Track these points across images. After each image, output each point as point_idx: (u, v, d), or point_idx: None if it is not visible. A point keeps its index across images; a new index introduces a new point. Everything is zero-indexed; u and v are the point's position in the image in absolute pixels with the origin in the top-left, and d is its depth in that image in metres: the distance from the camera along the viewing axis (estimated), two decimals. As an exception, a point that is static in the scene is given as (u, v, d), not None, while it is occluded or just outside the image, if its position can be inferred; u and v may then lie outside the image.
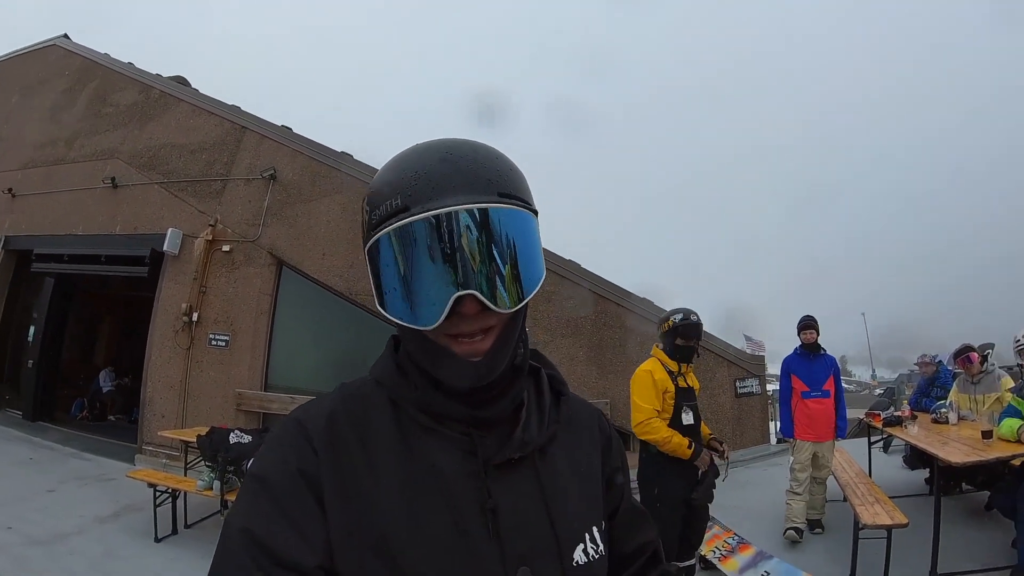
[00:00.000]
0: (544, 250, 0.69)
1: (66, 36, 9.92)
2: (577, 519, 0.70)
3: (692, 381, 3.29)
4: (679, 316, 3.24)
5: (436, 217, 0.59)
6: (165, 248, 7.17)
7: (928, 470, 4.92)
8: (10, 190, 8.87)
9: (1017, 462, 3.63)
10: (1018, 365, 3.75)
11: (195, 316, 7.02)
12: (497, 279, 0.61)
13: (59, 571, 3.85)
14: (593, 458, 0.77)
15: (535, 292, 0.64)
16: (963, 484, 4.70)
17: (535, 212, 0.66)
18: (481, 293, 0.60)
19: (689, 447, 3.05)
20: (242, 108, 7.91)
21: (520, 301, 0.64)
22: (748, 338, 7.88)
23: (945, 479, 4.05)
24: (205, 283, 7.13)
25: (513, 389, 0.69)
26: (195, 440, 4.84)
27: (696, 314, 3.24)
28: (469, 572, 0.62)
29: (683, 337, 3.18)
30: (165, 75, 8.82)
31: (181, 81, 8.98)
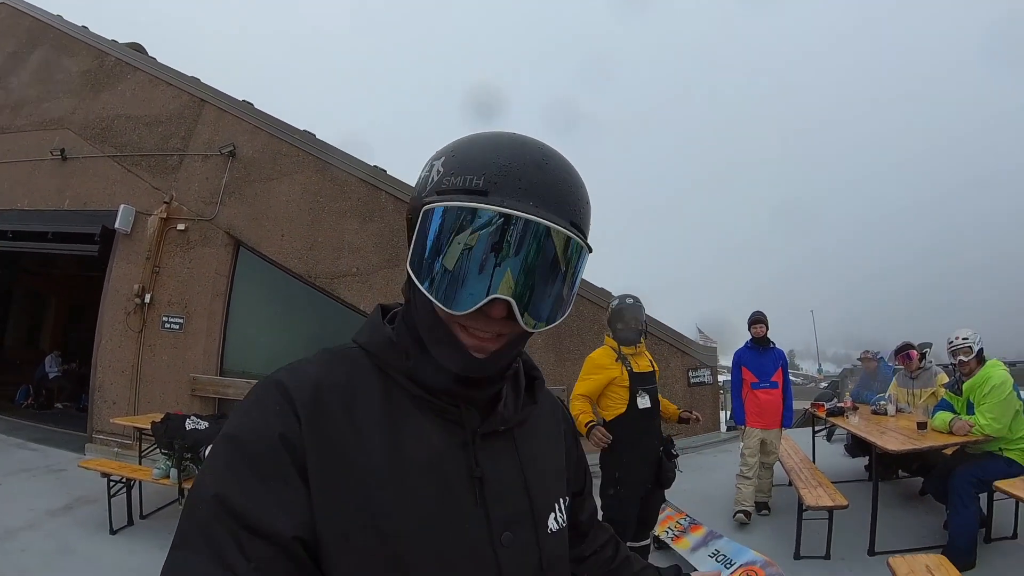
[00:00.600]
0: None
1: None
2: (548, 490, 0.75)
3: (646, 365, 3.31)
4: (615, 301, 3.34)
5: (515, 219, 0.59)
6: (117, 225, 6.84)
7: (867, 458, 5.19)
8: (-53, 160, 8.26)
9: (949, 451, 3.90)
10: (951, 364, 4.01)
11: (148, 298, 6.76)
12: (536, 299, 0.62)
13: (11, 570, 3.67)
14: (558, 440, 0.84)
15: (558, 323, 0.65)
16: (899, 471, 5.00)
17: (591, 249, 0.66)
18: (518, 305, 0.60)
19: (587, 425, 3.07)
20: (201, 80, 7.60)
21: (544, 326, 0.64)
22: (700, 330, 8.18)
23: (883, 465, 4.30)
24: (158, 263, 6.85)
25: (500, 383, 0.72)
26: (149, 427, 4.68)
27: (633, 297, 3.32)
28: (456, 537, 0.64)
29: (622, 321, 3.24)
30: (121, 41, 8.36)
31: (137, 48, 8.51)
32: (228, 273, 6.93)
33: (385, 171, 6.99)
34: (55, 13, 8.77)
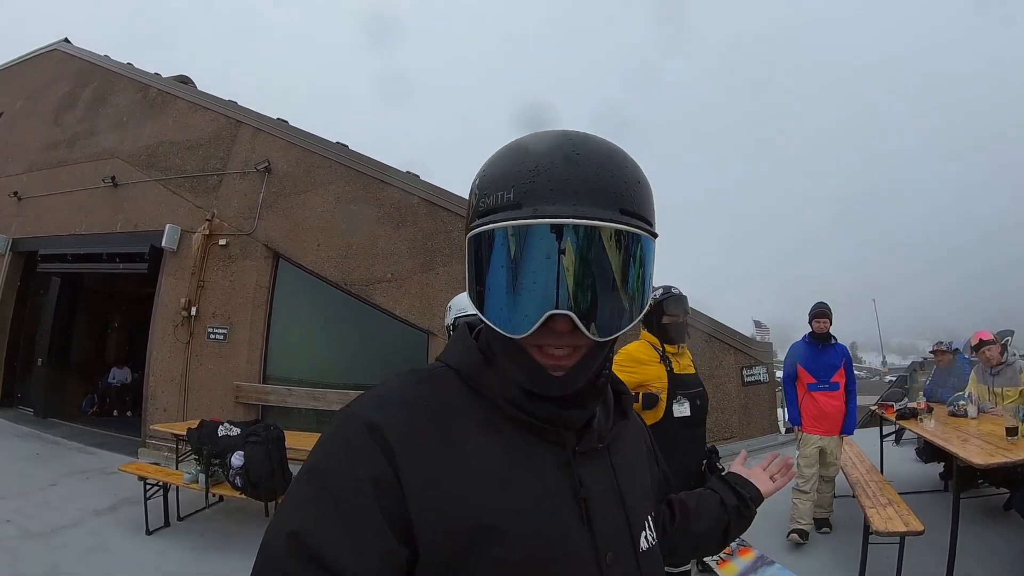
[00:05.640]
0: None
1: (67, 40, 9.98)
2: (640, 508, 0.73)
3: (688, 366, 2.95)
4: (660, 291, 2.94)
5: (548, 227, 0.55)
6: (163, 244, 7.20)
7: (943, 464, 4.65)
8: (15, 193, 9.02)
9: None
10: None
11: (194, 310, 7.03)
12: (597, 305, 0.57)
13: (45, 564, 3.83)
14: (643, 456, 0.82)
15: (636, 322, 0.60)
16: (980, 480, 4.41)
17: (655, 235, 0.60)
18: (577, 316, 0.56)
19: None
20: (238, 103, 7.87)
21: (617, 332, 0.59)
22: (757, 323, 7.64)
23: (962, 475, 3.78)
24: (203, 277, 7.12)
25: (594, 403, 0.68)
26: (185, 433, 4.80)
27: (678, 288, 2.97)
28: (567, 557, 0.62)
29: (669, 313, 2.88)
30: (166, 75, 8.80)
31: (184, 80, 8.96)
32: (268, 284, 7.11)
33: (418, 176, 6.98)
34: (102, 54, 9.39)
